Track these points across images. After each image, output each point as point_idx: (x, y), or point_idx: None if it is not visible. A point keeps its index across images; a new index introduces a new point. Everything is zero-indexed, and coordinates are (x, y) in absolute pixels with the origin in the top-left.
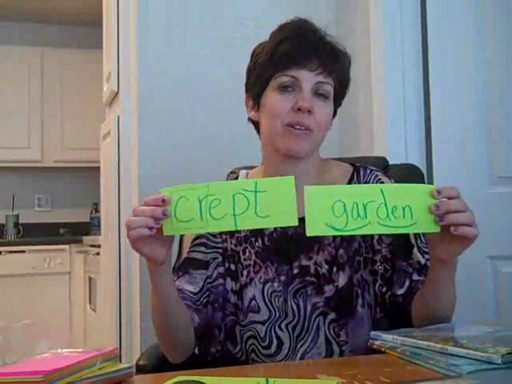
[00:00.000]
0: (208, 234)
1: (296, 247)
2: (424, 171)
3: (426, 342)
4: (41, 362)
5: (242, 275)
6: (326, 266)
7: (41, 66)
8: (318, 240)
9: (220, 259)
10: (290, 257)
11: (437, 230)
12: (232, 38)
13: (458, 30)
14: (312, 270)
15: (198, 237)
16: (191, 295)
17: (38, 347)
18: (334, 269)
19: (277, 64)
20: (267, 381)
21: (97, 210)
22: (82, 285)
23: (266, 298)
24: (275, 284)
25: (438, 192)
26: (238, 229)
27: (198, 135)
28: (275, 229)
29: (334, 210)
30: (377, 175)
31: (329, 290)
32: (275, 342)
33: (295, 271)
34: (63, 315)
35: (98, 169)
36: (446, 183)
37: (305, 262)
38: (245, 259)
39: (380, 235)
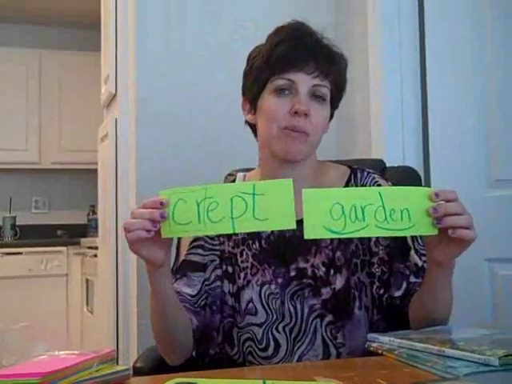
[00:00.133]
0: (205, 236)
1: (293, 250)
2: (421, 174)
3: (423, 345)
4: (38, 364)
5: (240, 277)
6: (324, 269)
7: (39, 67)
8: (316, 242)
9: (217, 261)
10: (287, 259)
11: (434, 232)
12: (231, 40)
13: (455, 33)
14: (309, 273)
15: (195, 239)
16: (189, 298)
17: (35, 349)
18: (332, 271)
19: (273, 67)
20: (264, 383)
21: (94, 212)
22: (79, 287)
23: (264, 300)
24: (272, 286)
25: (436, 195)
26: (236, 232)
27: (196, 138)
28: (272, 231)
29: (332, 213)
30: (374, 177)
31: (326, 292)
32: (272, 344)
33: (292, 273)
34: (60, 317)
35: (95, 171)
36: (443, 186)
37: (302, 265)
38: (242, 261)
39: (377, 237)
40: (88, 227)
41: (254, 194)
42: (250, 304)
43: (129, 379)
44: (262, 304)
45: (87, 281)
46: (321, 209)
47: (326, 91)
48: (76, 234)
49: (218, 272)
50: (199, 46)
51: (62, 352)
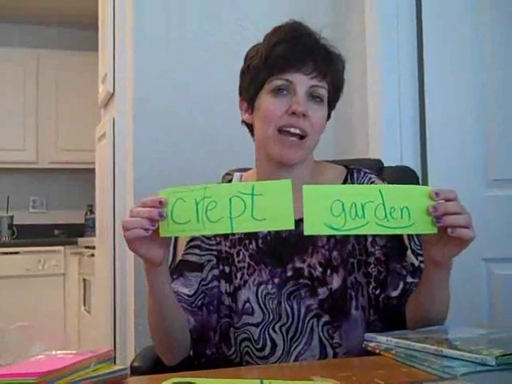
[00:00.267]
0: (202, 236)
1: (290, 250)
2: (419, 173)
3: (420, 344)
4: (35, 363)
5: (236, 277)
6: (320, 269)
7: (36, 67)
8: (312, 242)
9: (214, 261)
10: (283, 259)
11: (434, 231)
12: (231, 40)
13: (454, 33)
14: (306, 273)
15: (192, 239)
16: (186, 298)
17: (32, 349)
18: (328, 271)
19: (271, 67)
20: (262, 382)
21: (91, 212)
22: (76, 286)
23: (260, 300)
24: (269, 286)
25: (437, 194)
26: (234, 232)
27: (195, 137)
28: (269, 231)
29: (333, 210)
30: (370, 177)
31: (322, 292)
32: (269, 344)
33: (289, 273)
34: (57, 317)
35: (93, 170)
36: (440, 186)
37: (299, 265)
38: (239, 261)
39: (374, 238)
40: (85, 227)
41: (252, 195)
42: (247, 304)
43: (126, 379)
44: (259, 304)
45: (84, 280)
46: (321, 205)
47: (323, 92)
48: (73, 234)
49: (215, 272)
50: (198, 45)
51: (59, 352)
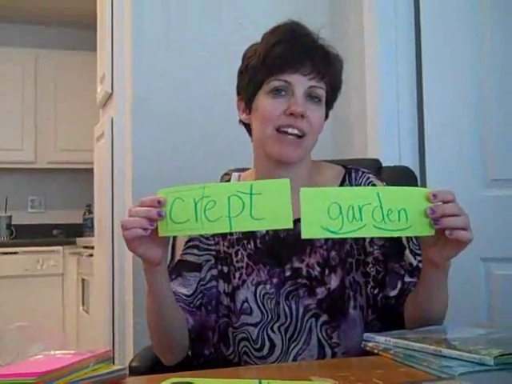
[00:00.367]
0: (201, 236)
1: (288, 249)
2: (417, 173)
3: (419, 344)
4: (34, 363)
5: (235, 277)
6: (318, 269)
7: (35, 67)
8: (310, 242)
9: (213, 261)
10: (282, 259)
11: (432, 233)
12: (231, 39)
13: (452, 33)
14: (304, 273)
15: (190, 239)
16: (185, 298)
17: (31, 349)
18: (326, 271)
19: (270, 67)
20: (260, 382)
21: (90, 212)
22: (75, 286)
23: (259, 300)
24: (267, 286)
25: (434, 196)
26: (233, 231)
27: (194, 137)
28: (267, 231)
29: (330, 213)
30: (368, 177)
31: (321, 292)
32: (267, 344)
33: (287, 273)
34: (56, 317)
35: (91, 170)
36: (439, 186)
37: (297, 265)
38: (237, 261)
39: (372, 237)
40: (84, 227)
41: (251, 194)
42: (245, 304)
43: (125, 379)
44: (257, 304)
45: (83, 280)
46: (318, 208)
47: (321, 92)
48: (72, 234)
49: (214, 272)
50: (198, 45)
51: (57, 352)
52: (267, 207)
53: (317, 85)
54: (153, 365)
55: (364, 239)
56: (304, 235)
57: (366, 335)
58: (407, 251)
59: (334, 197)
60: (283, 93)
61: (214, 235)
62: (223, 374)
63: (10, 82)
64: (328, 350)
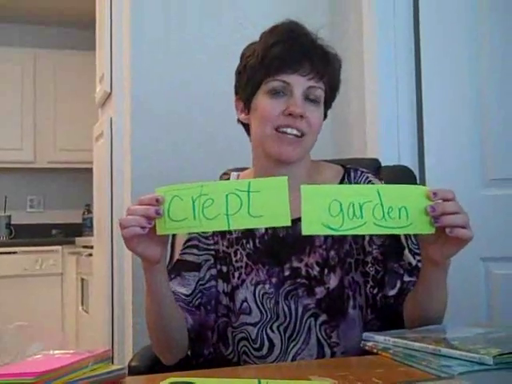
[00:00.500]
0: (200, 236)
1: (287, 249)
2: (416, 173)
3: (418, 344)
4: (33, 363)
5: (234, 277)
6: (318, 268)
7: (34, 67)
8: (310, 242)
9: (212, 261)
10: (281, 259)
11: (432, 231)
12: (231, 39)
13: (451, 33)
14: (303, 272)
15: (189, 239)
16: (184, 297)
17: (30, 349)
18: (326, 271)
19: (268, 68)
20: (259, 382)
21: (89, 211)
22: (74, 286)
23: (258, 299)
24: (266, 286)
25: (434, 194)
26: (231, 228)
27: (193, 137)
28: (266, 231)
29: (331, 210)
30: (367, 177)
31: (320, 291)
32: (267, 343)
33: (286, 273)
34: (55, 316)
35: (90, 170)
36: (438, 185)
37: (296, 264)
38: (236, 261)
39: (371, 237)
40: (83, 226)
41: (249, 192)
42: (245, 303)
43: (124, 378)
44: (257, 303)
45: (82, 280)
46: (319, 205)
47: (320, 93)
48: (71, 233)
49: (213, 271)
50: (197, 45)
51: (56, 351)
52: (265, 205)
53: (315, 85)
54: (152, 364)
55: (363, 239)
56: (305, 232)
57: (365, 335)
58: (406, 251)
59: (335, 194)
60: (282, 93)
61: (213, 235)
62: (222, 374)
63: (10, 81)
64: (327, 350)
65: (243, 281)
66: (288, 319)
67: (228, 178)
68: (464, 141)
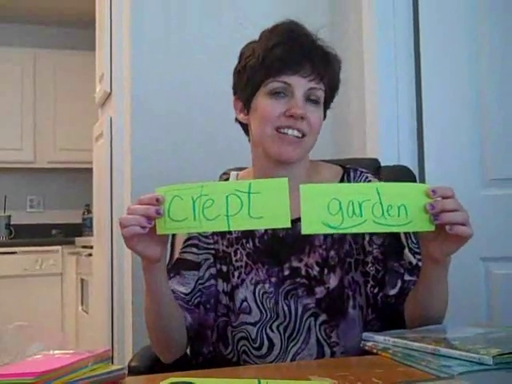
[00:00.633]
0: (200, 235)
1: (287, 249)
2: (416, 173)
3: (417, 344)
4: (32, 363)
5: (234, 276)
6: (317, 268)
7: (34, 67)
8: (309, 242)
9: (212, 260)
10: (280, 258)
11: (431, 228)
12: (231, 39)
13: (450, 33)
14: (303, 272)
15: (189, 238)
16: (183, 296)
17: (30, 349)
18: (325, 270)
19: (269, 69)
20: (259, 382)
21: (89, 211)
22: (74, 286)
23: (258, 299)
24: (266, 285)
25: (434, 191)
26: (231, 229)
27: (194, 137)
28: (266, 230)
29: (330, 208)
30: (367, 177)
31: (320, 291)
32: (266, 343)
33: (286, 273)
34: (55, 317)
35: (90, 170)
36: (438, 185)
37: (295, 264)
38: (236, 260)
39: (371, 237)
40: (83, 226)
41: (249, 193)
42: (244, 303)
43: (124, 378)
44: (256, 303)
45: (82, 280)
46: (318, 204)
47: (321, 94)
48: (71, 234)
49: (212, 271)
50: (197, 45)
51: (56, 351)
52: (265, 206)
53: (316, 86)
54: (152, 364)
55: (363, 239)
56: (304, 231)
57: (365, 335)
58: (406, 250)
59: (334, 193)
60: (282, 94)
61: (213, 234)
62: (222, 374)
63: (10, 81)
64: (327, 350)
65: (243, 280)
66: (288, 319)
67: (228, 178)
68: (464, 141)
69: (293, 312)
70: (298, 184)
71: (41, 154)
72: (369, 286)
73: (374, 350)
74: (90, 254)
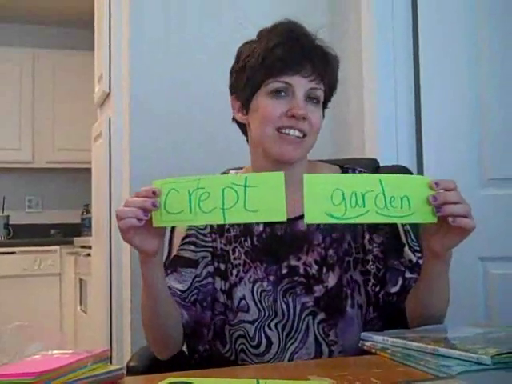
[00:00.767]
0: (198, 233)
1: (285, 247)
2: (415, 173)
3: (416, 343)
4: (31, 363)
5: (232, 274)
6: (316, 267)
7: (33, 67)
8: (308, 240)
9: (209, 258)
10: (279, 257)
11: (434, 220)
12: (231, 39)
13: (449, 33)
14: (301, 271)
15: (187, 235)
16: (179, 293)
17: (29, 349)
18: (324, 269)
19: (270, 69)
20: (258, 382)
21: (88, 211)
22: (72, 286)
23: (256, 297)
24: (264, 283)
25: (436, 184)
26: (227, 222)
27: (193, 137)
28: (264, 229)
29: (333, 199)
30: None
31: (318, 290)
32: (264, 341)
33: (284, 271)
34: (54, 317)
35: (89, 170)
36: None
37: (294, 263)
38: (234, 258)
39: (371, 235)
40: (82, 226)
41: (245, 186)
42: (243, 301)
43: (122, 378)
44: (255, 301)
45: (81, 280)
46: (321, 194)
47: (320, 93)
48: (69, 234)
49: (210, 269)
50: (197, 45)
51: (55, 352)
52: (261, 200)
53: (317, 86)
54: (150, 364)
55: (363, 238)
56: (307, 220)
57: (364, 334)
58: (406, 248)
59: (337, 183)
60: (283, 94)
61: (211, 232)
62: (221, 374)
63: (9, 81)
64: (325, 348)
65: (241, 278)
66: (286, 317)
67: None
68: (462, 140)
69: (291, 310)
70: (296, 184)
71: (39, 153)
72: (370, 284)
73: (373, 350)
74: (89, 254)
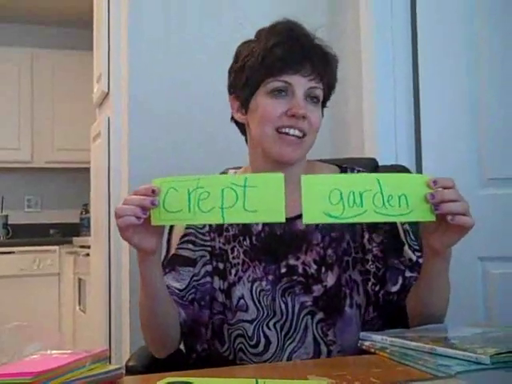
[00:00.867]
0: (196, 232)
1: (284, 247)
2: (414, 173)
3: (415, 343)
4: (30, 363)
5: (231, 274)
6: (315, 266)
7: (31, 67)
8: (307, 240)
9: (208, 257)
10: (277, 256)
11: (432, 218)
12: (230, 39)
13: (448, 32)
14: (300, 270)
15: (186, 234)
16: (177, 291)
17: (27, 349)
18: (323, 269)
19: (269, 68)
20: (257, 382)
21: (87, 211)
22: (71, 286)
23: (255, 296)
24: (263, 283)
25: (434, 182)
26: (225, 222)
27: (193, 137)
28: (263, 228)
29: (331, 198)
30: None
31: (317, 289)
32: (263, 340)
33: (283, 270)
34: (52, 316)
35: (88, 170)
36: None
37: (292, 262)
38: (233, 258)
39: (370, 235)
40: (80, 226)
41: (245, 186)
42: (241, 300)
43: (121, 378)
44: (253, 300)
45: (79, 280)
46: (319, 194)
47: (320, 93)
48: (68, 233)
49: (208, 268)
50: (197, 44)
51: (54, 351)
52: (261, 200)
53: (316, 86)
54: (149, 364)
55: (362, 237)
56: (305, 220)
57: (363, 334)
58: (406, 247)
59: (335, 183)
60: (283, 93)
61: (209, 231)
62: (219, 373)
63: (7, 81)
64: (323, 348)
65: (240, 278)
66: (285, 316)
67: None
68: (461, 140)
69: (290, 310)
70: (295, 184)
71: (38, 153)
72: (370, 283)
73: (372, 350)
74: (88, 254)
